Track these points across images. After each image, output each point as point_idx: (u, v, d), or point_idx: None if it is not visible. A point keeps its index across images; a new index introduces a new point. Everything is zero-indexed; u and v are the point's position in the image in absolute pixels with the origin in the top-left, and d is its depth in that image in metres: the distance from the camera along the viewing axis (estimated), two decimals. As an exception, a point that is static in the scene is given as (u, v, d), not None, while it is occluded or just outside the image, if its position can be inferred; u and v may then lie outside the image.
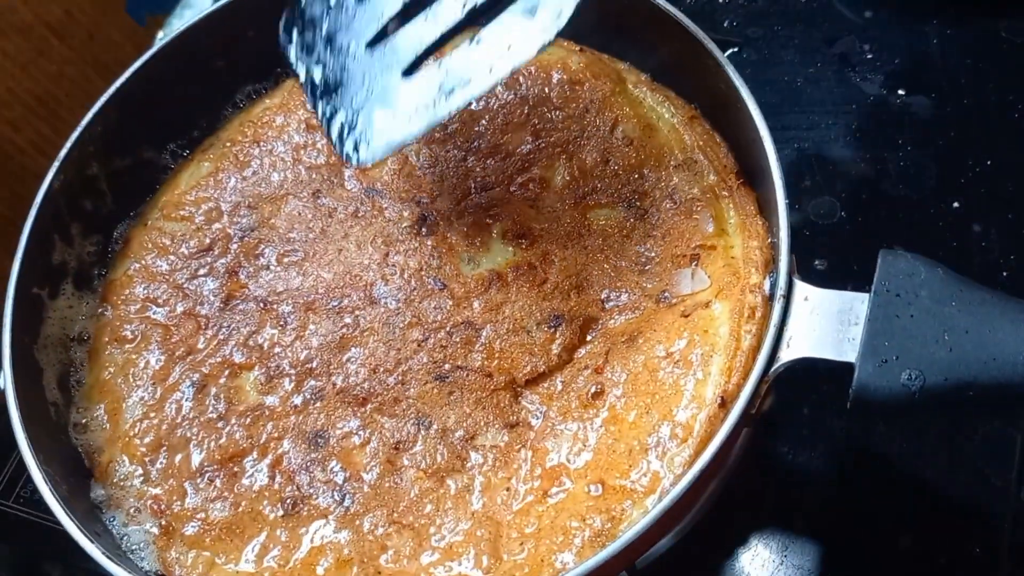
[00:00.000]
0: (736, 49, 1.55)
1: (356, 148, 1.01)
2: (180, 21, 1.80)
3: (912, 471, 1.20)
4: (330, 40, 1.03)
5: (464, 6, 0.96)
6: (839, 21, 1.55)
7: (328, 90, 1.03)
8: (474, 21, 0.96)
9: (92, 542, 0.92)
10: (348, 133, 1.02)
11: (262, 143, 1.23)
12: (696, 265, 1.05)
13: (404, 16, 1.00)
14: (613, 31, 1.22)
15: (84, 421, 1.09)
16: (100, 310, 1.15)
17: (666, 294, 1.05)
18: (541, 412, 1.02)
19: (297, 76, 1.06)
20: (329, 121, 1.03)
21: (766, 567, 1.16)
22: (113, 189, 1.22)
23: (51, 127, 1.61)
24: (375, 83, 1.00)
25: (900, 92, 1.45)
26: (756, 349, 0.95)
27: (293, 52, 1.06)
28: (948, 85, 1.45)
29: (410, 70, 0.99)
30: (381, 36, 1.01)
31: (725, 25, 1.58)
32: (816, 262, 1.33)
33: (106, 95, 1.18)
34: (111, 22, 1.72)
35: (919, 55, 1.49)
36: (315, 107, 1.04)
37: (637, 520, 0.88)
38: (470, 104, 0.97)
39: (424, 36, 0.98)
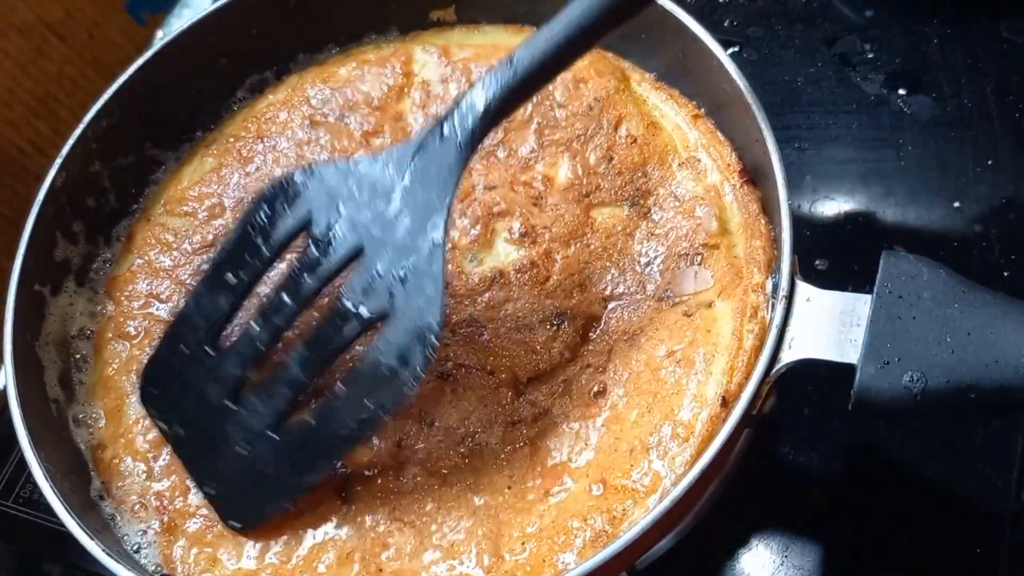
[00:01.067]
0: (737, 49, 1.55)
1: (239, 515, 0.99)
2: (180, 21, 1.79)
3: (913, 471, 1.20)
4: (194, 396, 1.00)
5: (319, 359, 0.95)
6: (839, 21, 1.55)
7: (200, 451, 1.01)
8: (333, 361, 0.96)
9: (93, 539, 0.92)
10: (228, 497, 1.00)
11: (265, 139, 1.23)
12: (699, 264, 1.05)
13: (264, 364, 0.99)
14: (615, 31, 1.22)
15: (85, 418, 1.09)
16: (102, 306, 1.15)
17: (669, 293, 1.05)
18: (543, 410, 1.02)
19: (165, 436, 1.04)
20: (205, 485, 1.01)
21: (767, 567, 1.16)
22: (116, 186, 1.22)
23: (51, 127, 1.60)
24: (248, 442, 0.97)
25: (900, 92, 1.45)
26: (758, 349, 0.95)
27: (156, 411, 1.04)
28: (948, 85, 1.45)
29: (280, 425, 0.96)
30: (246, 386, 0.98)
31: (726, 25, 1.58)
32: (817, 262, 1.33)
33: (109, 91, 1.18)
34: (111, 22, 1.72)
35: (919, 55, 1.49)
36: (188, 470, 1.02)
37: (638, 520, 0.87)
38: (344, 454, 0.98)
39: (288, 389, 0.95)
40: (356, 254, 0.92)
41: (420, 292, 0.88)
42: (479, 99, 0.86)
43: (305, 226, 0.95)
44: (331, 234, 0.93)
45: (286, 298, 0.95)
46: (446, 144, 0.89)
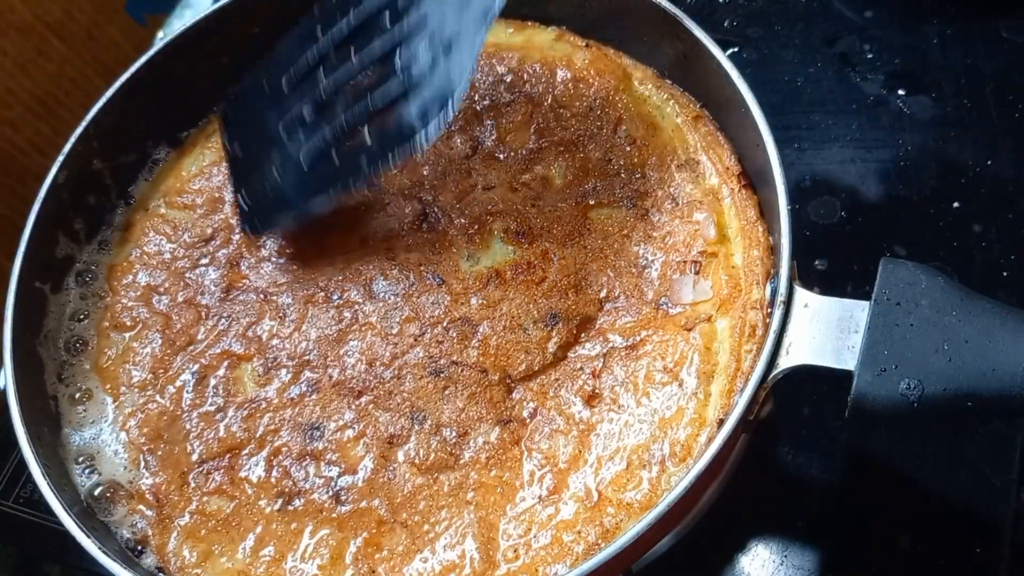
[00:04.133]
0: (736, 49, 1.55)
1: (253, 224, 1.14)
2: (180, 21, 1.79)
3: (912, 472, 1.20)
4: (258, 124, 1.11)
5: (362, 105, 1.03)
6: (839, 21, 1.55)
7: (246, 170, 1.14)
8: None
9: (91, 539, 0.92)
10: (252, 209, 1.13)
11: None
12: (697, 274, 1.05)
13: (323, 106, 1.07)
14: (615, 31, 1.22)
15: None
16: (100, 295, 1.16)
17: (665, 300, 1.05)
18: (535, 410, 1.02)
19: (226, 151, 1.17)
20: (241, 197, 1.14)
21: (766, 568, 1.16)
22: (117, 184, 1.23)
23: (51, 127, 1.60)
24: (283, 167, 1.09)
25: (900, 92, 1.45)
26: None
27: (227, 130, 1.17)
28: (948, 85, 1.45)
29: (315, 160, 1.07)
30: (301, 124, 1.08)
31: (725, 25, 1.58)
32: (816, 262, 1.33)
33: (111, 90, 1.19)
34: (111, 22, 1.71)
35: (919, 55, 1.49)
36: (234, 184, 1.16)
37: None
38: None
39: (331, 125, 1.05)
40: (421, 24, 0.99)
41: (457, 60, 0.95)
42: None
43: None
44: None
45: (352, 55, 1.03)
46: None
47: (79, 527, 0.93)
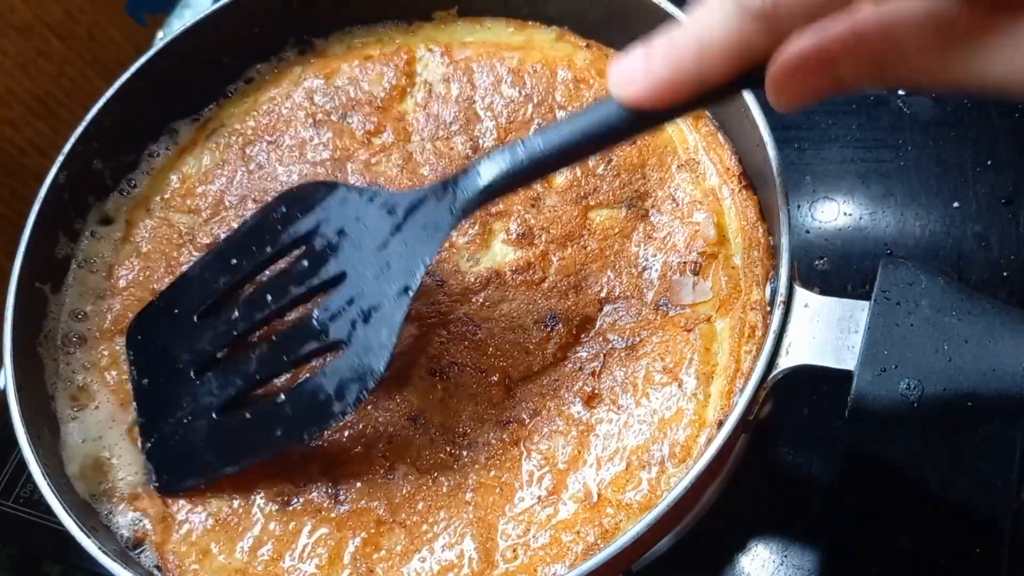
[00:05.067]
0: (736, 49, 1.55)
1: (162, 473, 1.04)
2: (180, 21, 1.79)
3: (912, 471, 1.20)
4: (167, 355, 1.06)
5: (276, 360, 1.00)
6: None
7: (152, 405, 1.06)
8: (287, 370, 1.02)
9: (91, 539, 0.92)
10: (159, 456, 1.04)
11: (267, 136, 1.23)
12: (697, 275, 1.05)
13: (234, 348, 1.04)
14: (616, 31, 1.22)
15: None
16: (102, 296, 1.16)
17: (665, 301, 1.05)
18: (534, 411, 1.02)
19: (130, 376, 1.10)
20: (144, 438, 1.06)
21: (766, 568, 1.16)
22: (117, 184, 1.23)
23: (51, 127, 1.61)
24: (194, 412, 1.03)
25: (900, 92, 1.45)
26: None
27: (131, 355, 1.10)
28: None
29: (226, 408, 1.01)
30: (209, 364, 1.04)
31: (725, 25, 1.58)
32: (816, 262, 1.33)
33: (112, 90, 1.19)
34: (111, 22, 1.71)
35: (920, 55, 1.48)
36: (137, 417, 1.07)
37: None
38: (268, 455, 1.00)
39: (240, 378, 1.01)
40: (340, 279, 0.96)
41: (376, 335, 0.92)
42: (486, 172, 0.86)
43: (309, 237, 0.99)
44: (327, 254, 0.97)
45: (269, 297, 1.00)
46: (443, 204, 0.90)
47: (79, 527, 0.93)
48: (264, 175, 1.20)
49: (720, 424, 0.91)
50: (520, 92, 1.18)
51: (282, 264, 1.02)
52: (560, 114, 1.17)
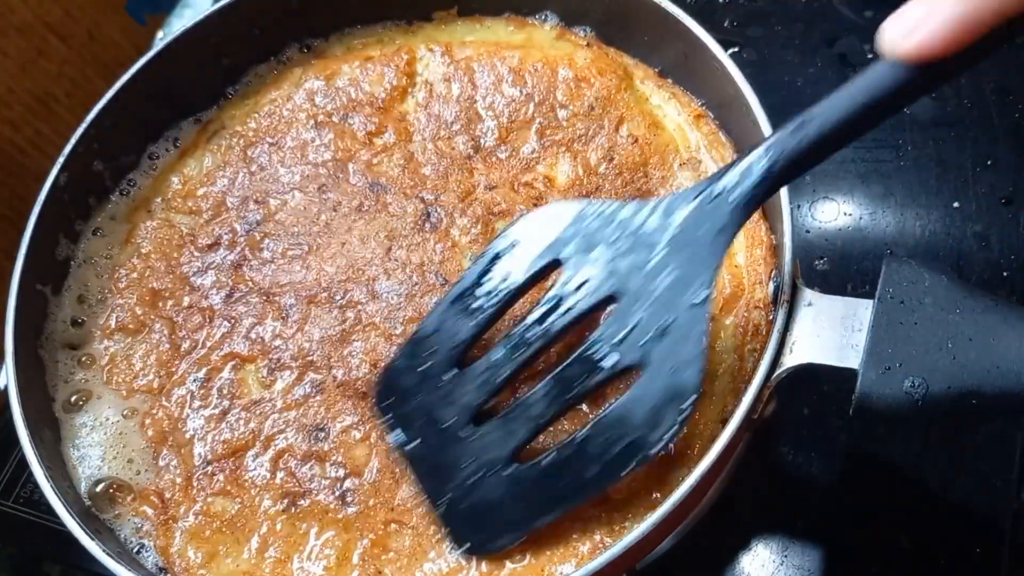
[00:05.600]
0: (737, 49, 1.55)
1: (475, 542, 0.96)
2: (180, 21, 1.79)
3: (912, 471, 1.20)
4: (428, 415, 0.97)
5: (561, 396, 0.91)
6: (839, 21, 1.55)
7: (433, 470, 0.97)
8: (577, 403, 0.93)
9: (93, 540, 0.92)
10: (463, 524, 0.96)
11: (268, 138, 1.23)
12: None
13: (504, 392, 0.96)
14: (616, 31, 1.23)
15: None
16: (103, 297, 1.15)
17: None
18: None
19: (400, 449, 1.00)
20: (438, 507, 0.97)
21: (766, 568, 1.16)
22: (118, 186, 1.23)
23: (51, 127, 1.60)
24: (482, 471, 0.93)
25: (900, 92, 1.45)
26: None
27: (393, 421, 1.00)
28: (948, 85, 1.45)
29: (517, 454, 0.93)
30: (482, 414, 0.95)
31: (726, 25, 1.58)
32: (817, 262, 1.34)
33: (112, 91, 1.18)
34: (111, 22, 1.71)
35: (919, 55, 1.48)
36: (423, 490, 0.98)
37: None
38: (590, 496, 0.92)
39: (529, 421, 0.92)
40: (608, 301, 0.89)
41: (678, 352, 0.85)
42: (762, 160, 0.82)
43: (557, 263, 0.91)
44: (585, 277, 0.89)
45: (531, 334, 0.92)
46: (719, 204, 0.85)
47: (83, 530, 0.92)
48: (266, 176, 1.20)
49: (724, 422, 0.91)
50: (521, 91, 1.18)
51: (537, 299, 0.94)
52: (561, 113, 1.17)
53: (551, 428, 0.95)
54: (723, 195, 0.84)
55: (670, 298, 0.85)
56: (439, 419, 0.96)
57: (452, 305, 0.96)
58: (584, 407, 0.99)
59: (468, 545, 0.95)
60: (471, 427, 0.94)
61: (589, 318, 0.90)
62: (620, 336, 0.87)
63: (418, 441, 0.97)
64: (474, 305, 0.95)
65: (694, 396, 0.84)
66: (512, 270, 0.93)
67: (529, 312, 0.92)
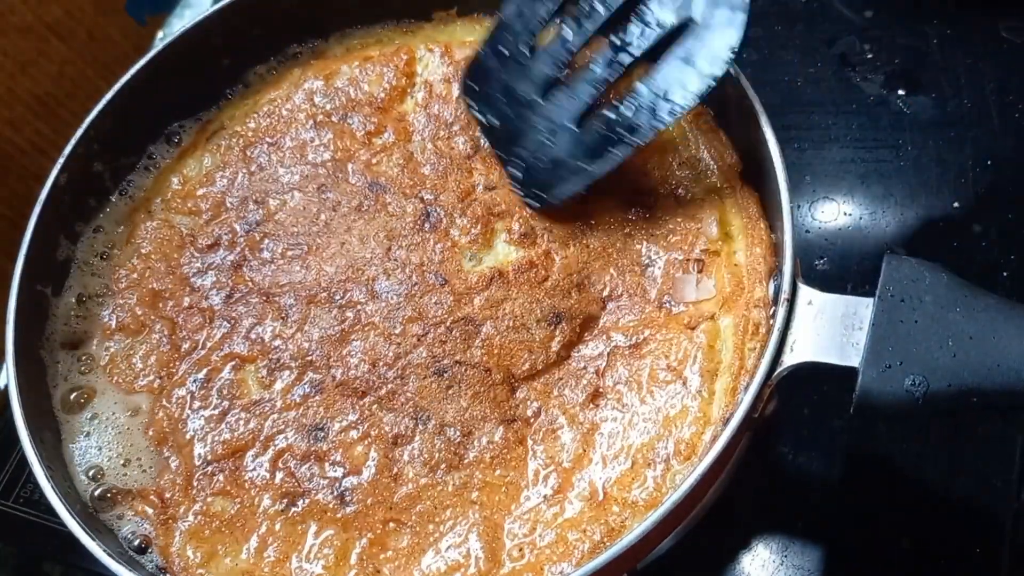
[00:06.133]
0: (736, 49, 1.55)
1: (540, 194, 1.09)
2: (181, 21, 1.79)
3: (913, 471, 1.20)
4: (508, 92, 1.11)
5: (623, 58, 1.02)
6: (839, 21, 1.55)
7: (508, 139, 1.11)
8: (635, 67, 1.03)
9: (94, 540, 0.92)
10: (532, 181, 1.10)
11: (269, 138, 1.23)
12: (700, 272, 1.05)
13: (572, 66, 1.07)
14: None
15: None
16: (103, 298, 1.15)
17: (668, 299, 1.05)
18: (539, 409, 1.02)
19: (480, 124, 1.16)
20: (512, 170, 1.12)
21: (767, 567, 1.16)
22: (118, 187, 1.23)
23: (51, 127, 1.61)
24: (553, 132, 1.07)
25: (900, 92, 1.46)
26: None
27: (475, 103, 1.15)
28: (948, 85, 1.45)
29: (583, 118, 1.05)
30: (554, 85, 1.07)
31: (726, 25, 1.58)
32: (817, 262, 1.34)
33: (112, 91, 1.19)
34: (111, 22, 1.72)
35: (919, 55, 1.49)
36: (497, 153, 1.13)
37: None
38: (634, 150, 1.03)
39: (592, 86, 1.04)
40: None
41: (724, 6, 0.96)
42: None
43: None
44: None
45: (597, 5, 1.04)
46: None
47: (84, 530, 0.92)
48: (265, 176, 1.20)
49: (726, 421, 0.91)
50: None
51: None
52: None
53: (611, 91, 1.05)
54: None
55: None
56: (517, 92, 1.10)
57: None
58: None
59: (537, 202, 1.11)
60: (542, 98, 1.08)
61: None
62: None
63: (496, 121, 1.13)
64: None
65: (735, 47, 0.96)
66: None
67: None
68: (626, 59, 1.02)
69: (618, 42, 1.02)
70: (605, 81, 1.03)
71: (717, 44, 0.96)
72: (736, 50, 0.95)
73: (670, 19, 0.99)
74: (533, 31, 1.08)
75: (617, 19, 1.03)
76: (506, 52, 1.10)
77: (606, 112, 1.03)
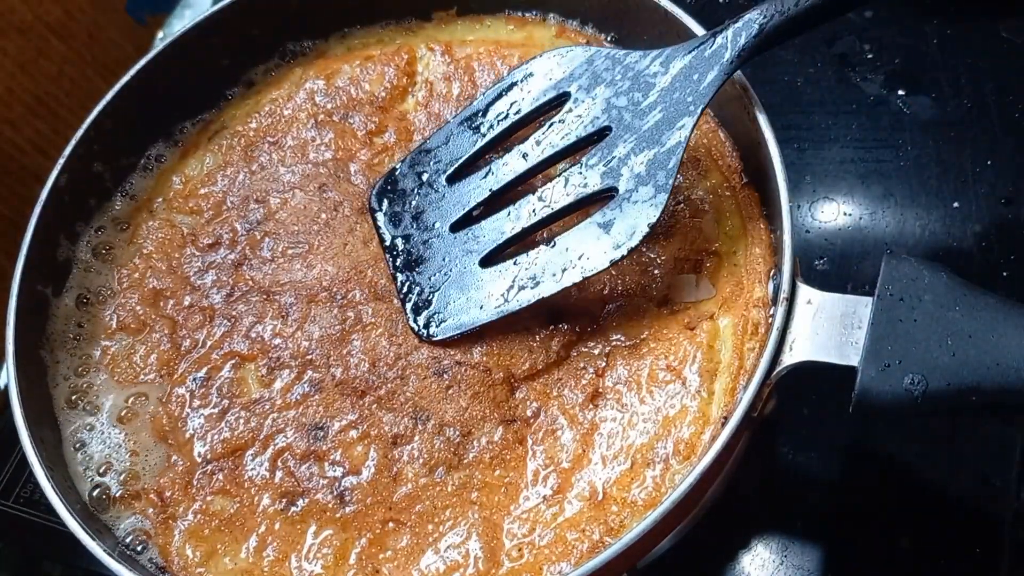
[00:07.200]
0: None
1: (427, 325, 1.05)
2: (180, 21, 1.79)
3: (912, 471, 1.20)
4: (417, 216, 1.10)
5: (540, 210, 1.02)
6: (839, 21, 1.54)
7: (409, 264, 1.09)
8: (551, 222, 1.03)
9: (94, 539, 0.92)
10: (422, 309, 1.06)
11: (270, 137, 1.23)
12: (700, 272, 1.05)
13: (489, 206, 1.07)
14: (616, 30, 1.23)
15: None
16: (103, 298, 1.16)
17: (669, 299, 1.05)
18: (538, 409, 1.02)
19: (382, 240, 1.12)
20: (406, 293, 1.08)
21: (766, 567, 1.16)
22: (118, 187, 1.23)
23: (51, 127, 1.61)
24: (454, 266, 1.06)
25: (900, 92, 1.45)
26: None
27: (381, 219, 1.13)
28: (948, 85, 1.45)
29: (487, 260, 1.04)
30: (465, 221, 1.07)
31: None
32: (816, 262, 1.33)
33: (112, 92, 1.19)
34: (111, 22, 1.72)
35: (919, 55, 1.49)
36: (394, 276, 1.10)
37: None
38: (533, 303, 1.01)
39: (504, 230, 1.04)
40: (602, 134, 1.00)
41: (651, 180, 0.96)
42: (756, 20, 0.92)
43: (563, 97, 1.04)
44: (586, 109, 1.02)
45: (526, 153, 1.05)
46: (715, 55, 0.96)
47: (82, 528, 0.93)
48: (266, 176, 1.20)
49: (725, 421, 0.91)
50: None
51: (536, 125, 1.06)
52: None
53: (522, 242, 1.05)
54: (718, 50, 0.96)
55: (653, 135, 0.97)
56: (426, 220, 1.09)
57: (461, 124, 1.10)
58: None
59: (424, 333, 1.06)
60: (453, 229, 1.07)
61: (582, 147, 1.02)
62: (602, 163, 0.99)
63: (401, 236, 1.10)
64: (482, 125, 1.08)
65: (654, 219, 0.95)
66: (523, 98, 1.07)
67: (528, 137, 1.05)
68: (544, 212, 1.02)
69: (539, 194, 1.02)
70: (521, 229, 1.03)
71: (637, 219, 0.96)
72: (653, 226, 0.95)
73: (596, 183, 0.99)
74: (454, 162, 1.09)
75: (542, 169, 1.05)
76: (423, 176, 1.11)
77: (513, 259, 1.03)
